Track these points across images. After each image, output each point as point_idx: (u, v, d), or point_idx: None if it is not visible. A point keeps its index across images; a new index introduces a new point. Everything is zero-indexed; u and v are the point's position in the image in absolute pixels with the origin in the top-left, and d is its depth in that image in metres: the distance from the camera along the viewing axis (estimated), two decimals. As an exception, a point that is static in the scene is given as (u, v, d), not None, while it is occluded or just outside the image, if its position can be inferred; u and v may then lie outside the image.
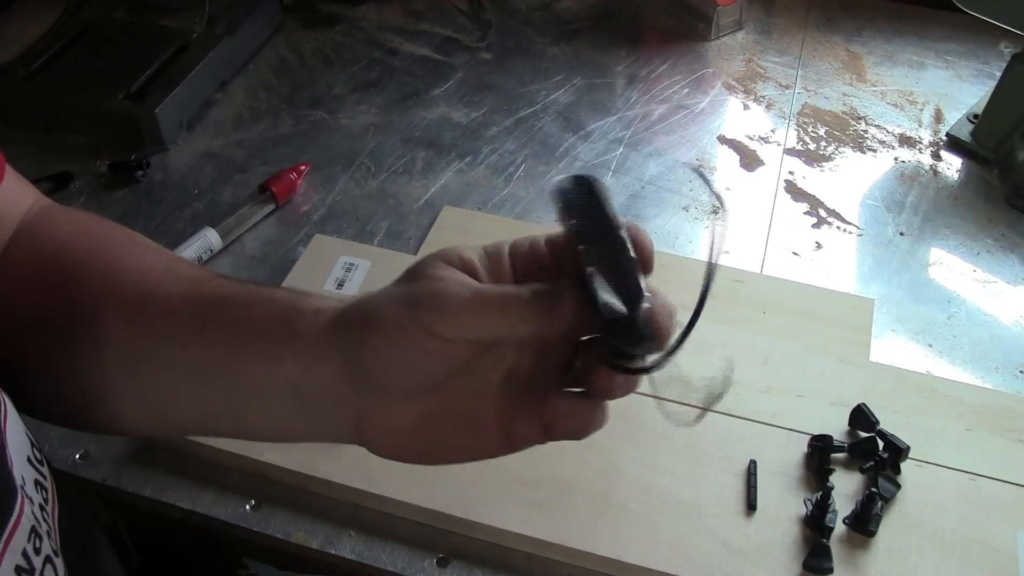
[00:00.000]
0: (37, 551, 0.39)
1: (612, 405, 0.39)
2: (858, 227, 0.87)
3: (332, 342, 0.39)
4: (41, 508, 0.40)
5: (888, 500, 0.61)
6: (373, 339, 0.38)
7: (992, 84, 0.92)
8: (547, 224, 0.86)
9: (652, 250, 0.40)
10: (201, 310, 0.43)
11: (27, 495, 0.39)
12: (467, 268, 0.39)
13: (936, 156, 0.94)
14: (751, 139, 0.97)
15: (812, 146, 0.96)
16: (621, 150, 0.95)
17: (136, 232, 0.49)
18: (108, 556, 0.50)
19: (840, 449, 0.64)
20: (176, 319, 0.43)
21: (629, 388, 0.38)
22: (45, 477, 0.42)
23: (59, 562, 0.41)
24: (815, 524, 0.60)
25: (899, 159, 0.94)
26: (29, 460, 0.40)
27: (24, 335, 0.44)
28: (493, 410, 0.40)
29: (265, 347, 0.41)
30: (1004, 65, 0.89)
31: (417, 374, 0.38)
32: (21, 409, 0.43)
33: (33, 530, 0.39)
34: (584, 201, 0.38)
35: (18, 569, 0.37)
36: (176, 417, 0.45)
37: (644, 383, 0.38)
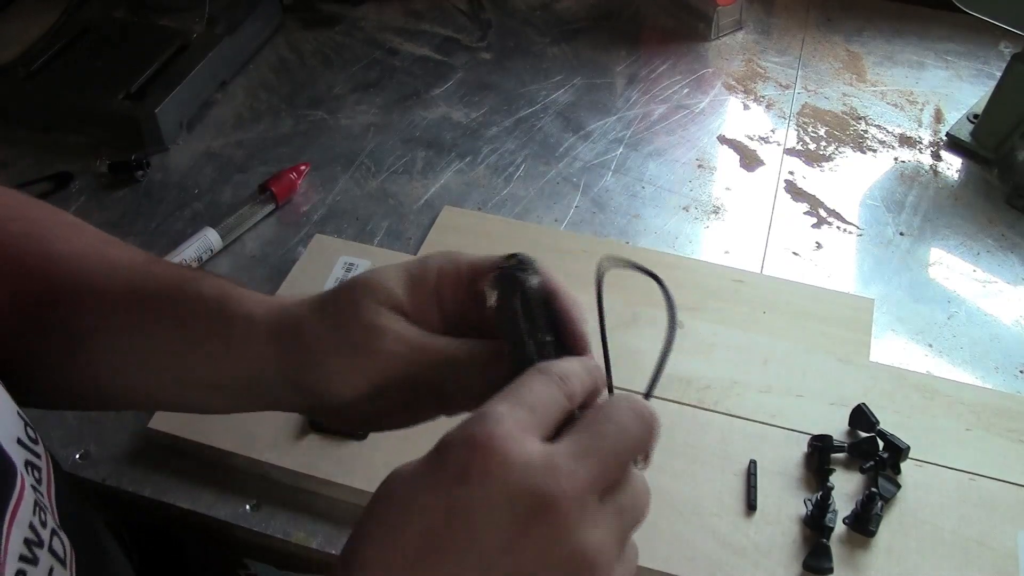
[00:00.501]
0: (43, 524, 0.40)
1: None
2: (858, 227, 0.87)
3: (270, 357, 0.42)
4: (34, 488, 0.40)
5: (888, 500, 0.61)
6: (313, 374, 0.41)
7: (992, 84, 0.92)
8: (547, 224, 0.86)
9: (580, 333, 0.40)
10: (138, 303, 0.44)
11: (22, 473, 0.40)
12: (396, 306, 0.41)
13: (936, 156, 0.94)
14: (751, 139, 0.97)
15: (812, 146, 0.96)
16: (621, 150, 0.95)
17: (55, 207, 0.51)
18: (108, 539, 0.51)
19: (840, 449, 0.64)
20: (115, 314, 0.45)
21: None
22: (39, 456, 0.43)
23: (63, 536, 0.42)
24: (815, 524, 0.60)
25: (899, 159, 0.94)
26: (20, 441, 0.41)
27: None
28: (432, 392, 0.42)
29: (204, 349, 0.43)
30: (1004, 65, 0.89)
31: (357, 396, 0.41)
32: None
33: (37, 504, 0.40)
34: (511, 304, 0.38)
35: (27, 542, 0.38)
36: (125, 398, 0.47)
37: None
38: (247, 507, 0.64)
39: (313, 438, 0.65)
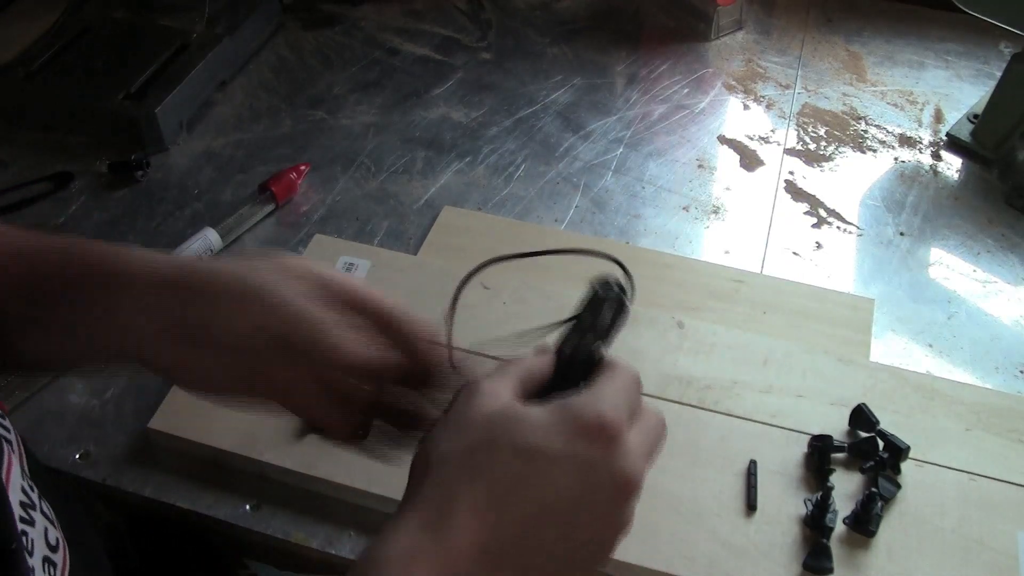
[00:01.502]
0: (32, 488, 0.42)
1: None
2: (858, 227, 0.87)
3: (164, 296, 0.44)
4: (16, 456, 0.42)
5: (888, 500, 0.61)
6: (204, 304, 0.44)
7: (992, 84, 0.92)
8: (547, 224, 0.86)
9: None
10: (31, 289, 0.46)
11: None
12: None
13: (936, 156, 0.94)
14: (751, 139, 0.97)
15: (812, 146, 0.96)
16: (621, 150, 0.95)
17: None
18: (82, 508, 0.53)
19: (840, 449, 0.64)
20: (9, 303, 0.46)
21: None
22: (9, 431, 0.44)
23: (46, 502, 0.44)
24: (815, 524, 0.60)
25: (899, 159, 0.94)
26: None
27: None
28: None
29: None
30: (1004, 65, 0.89)
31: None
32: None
33: (23, 469, 0.42)
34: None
35: (23, 504, 0.40)
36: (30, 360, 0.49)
37: None
38: (247, 507, 0.64)
39: (313, 438, 0.65)
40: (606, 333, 0.44)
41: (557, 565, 0.39)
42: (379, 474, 0.63)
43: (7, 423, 0.44)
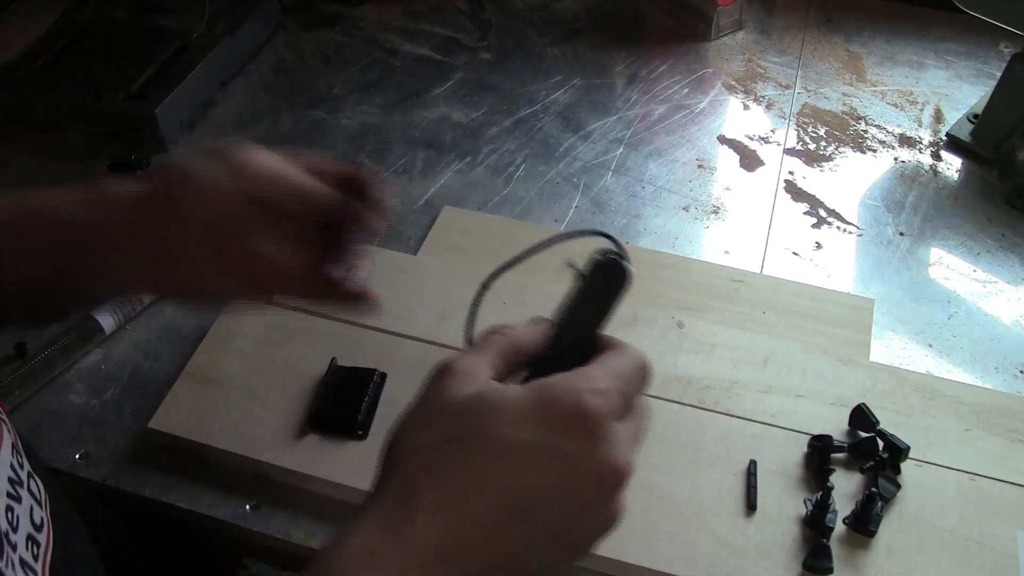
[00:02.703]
0: (21, 466, 0.42)
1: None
2: (858, 227, 0.87)
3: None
4: (8, 433, 0.43)
5: (888, 500, 0.61)
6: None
7: (992, 84, 0.92)
8: (546, 223, 0.86)
9: None
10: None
11: None
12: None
13: (936, 156, 0.94)
14: (751, 139, 0.97)
15: (812, 146, 0.96)
16: (621, 150, 0.95)
17: None
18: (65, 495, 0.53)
19: (840, 449, 0.64)
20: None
21: None
22: (2, 411, 0.45)
23: (38, 479, 0.44)
24: (815, 524, 0.60)
25: (899, 159, 0.94)
26: None
27: None
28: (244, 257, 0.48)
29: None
30: (1004, 65, 0.89)
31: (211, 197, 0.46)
32: None
33: (14, 447, 0.42)
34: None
35: (11, 481, 0.40)
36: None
37: None
38: (247, 507, 0.64)
39: (313, 438, 0.65)
40: (606, 304, 0.41)
41: (530, 562, 0.37)
42: (379, 474, 0.63)
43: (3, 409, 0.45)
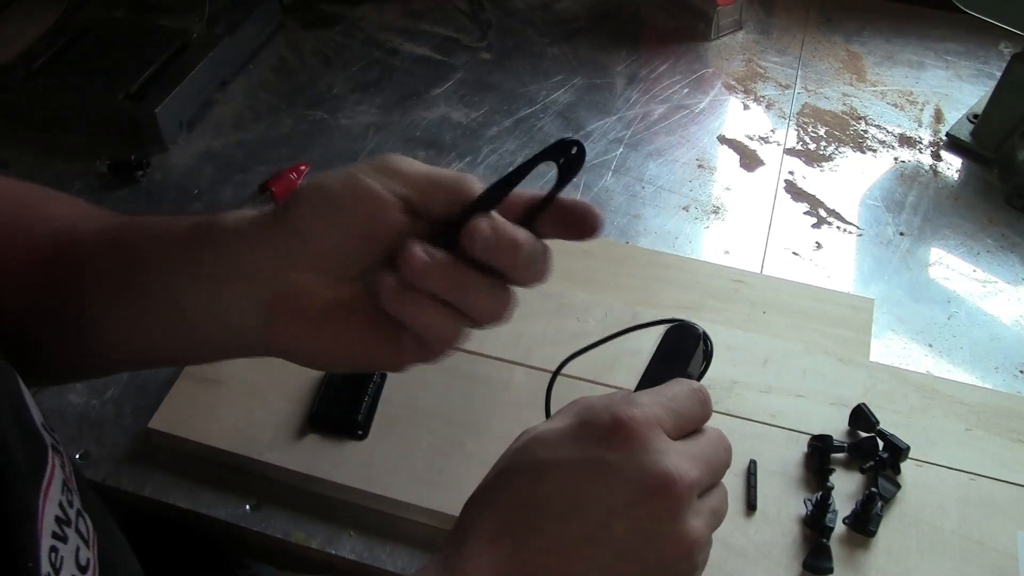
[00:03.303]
0: (70, 504, 0.40)
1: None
2: (858, 227, 0.87)
3: (254, 225, 0.41)
4: (61, 469, 0.41)
5: (888, 500, 0.61)
6: (312, 196, 0.41)
7: (992, 84, 0.92)
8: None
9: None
10: (119, 246, 0.44)
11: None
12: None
13: (936, 156, 0.94)
14: (751, 139, 0.97)
15: (812, 146, 0.96)
16: (621, 150, 0.95)
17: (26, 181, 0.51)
18: (118, 528, 0.51)
19: (840, 449, 0.64)
20: (96, 260, 0.45)
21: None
22: (58, 443, 0.43)
23: (87, 517, 0.42)
24: (815, 524, 0.60)
25: (899, 159, 0.94)
26: (44, 426, 0.41)
27: None
28: (389, 323, 0.41)
29: (186, 273, 0.43)
30: (1004, 65, 0.89)
31: (343, 246, 0.41)
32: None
33: (64, 484, 0.40)
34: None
35: (58, 520, 0.38)
36: (119, 364, 0.48)
37: None
38: (247, 507, 0.64)
39: (313, 438, 0.65)
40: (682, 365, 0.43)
41: None
42: (379, 474, 0.63)
43: (56, 435, 0.43)
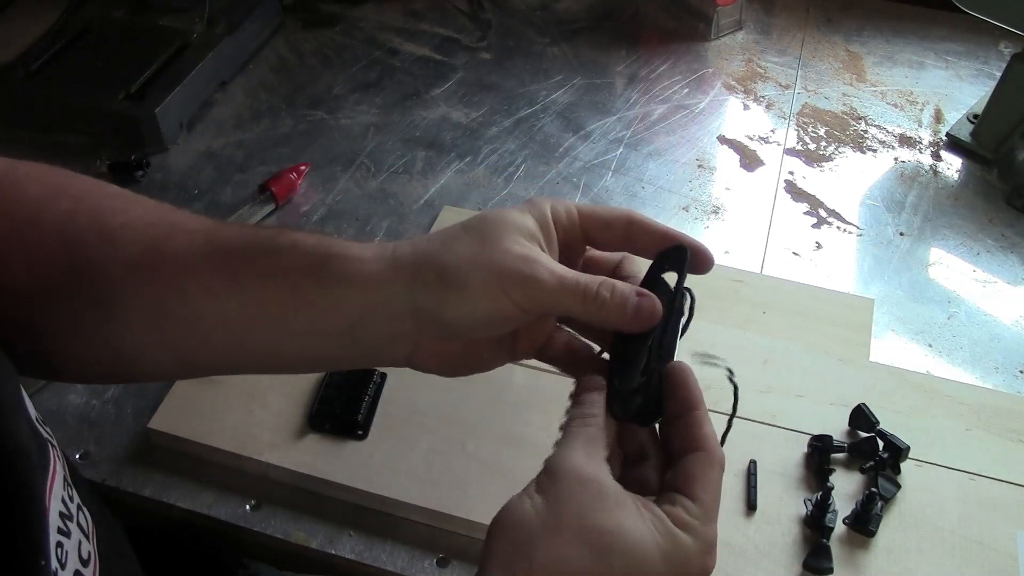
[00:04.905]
0: (71, 499, 0.41)
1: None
2: (858, 227, 0.87)
3: (396, 290, 0.42)
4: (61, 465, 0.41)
5: (888, 500, 0.61)
6: (458, 300, 0.41)
7: (992, 84, 0.92)
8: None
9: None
10: (225, 262, 0.44)
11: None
12: (534, 241, 0.43)
13: (936, 156, 0.94)
14: (751, 139, 0.97)
15: (812, 146, 0.96)
16: (621, 150, 0.95)
17: (103, 181, 0.50)
18: (114, 519, 0.51)
19: (840, 449, 0.64)
20: (198, 274, 0.44)
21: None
22: (52, 436, 0.43)
23: (87, 511, 0.42)
24: (815, 524, 0.60)
25: (899, 159, 0.94)
26: (39, 421, 0.41)
27: (27, 304, 0.44)
28: (512, 337, 0.46)
29: (310, 296, 0.43)
30: (1004, 65, 0.89)
31: (489, 330, 0.43)
32: (39, 373, 0.45)
33: (65, 479, 0.40)
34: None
35: (61, 515, 0.39)
36: (208, 362, 0.46)
37: None
38: (247, 507, 0.64)
39: (313, 438, 0.65)
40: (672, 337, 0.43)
41: None
42: (379, 474, 0.63)
43: (48, 428, 0.43)
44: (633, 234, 0.46)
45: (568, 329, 0.49)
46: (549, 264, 0.42)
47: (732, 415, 0.45)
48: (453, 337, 0.44)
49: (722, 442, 0.44)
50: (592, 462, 0.40)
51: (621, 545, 0.37)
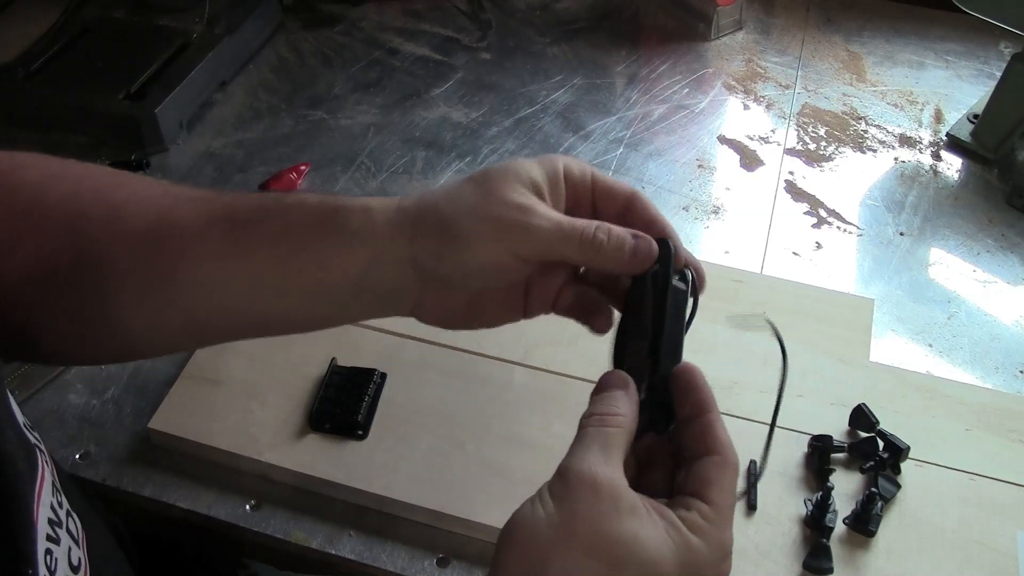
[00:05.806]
0: (60, 505, 0.40)
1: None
2: (858, 227, 0.87)
3: (399, 242, 0.43)
4: (49, 471, 0.41)
5: (888, 500, 0.61)
6: (455, 251, 0.42)
7: (992, 84, 0.92)
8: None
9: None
10: (233, 227, 0.44)
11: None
12: (537, 191, 0.43)
13: (936, 156, 0.94)
14: (751, 139, 0.97)
15: (812, 146, 0.96)
16: (621, 150, 0.95)
17: (103, 166, 0.50)
18: (104, 526, 0.51)
19: (840, 449, 0.64)
20: (207, 240, 0.44)
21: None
22: (40, 442, 0.43)
23: (76, 517, 0.42)
24: (815, 524, 0.60)
25: (899, 159, 0.94)
26: (26, 427, 0.41)
27: (31, 288, 0.44)
28: (522, 293, 0.47)
29: (317, 250, 0.43)
30: (1004, 65, 0.89)
31: (488, 280, 0.44)
32: (38, 358, 0.46)
33: (54, 485, 0.40)
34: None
35: (50, 522, 0.39)
36: (219, 329, 0.47)
37: None
38: (247, 507, 0.64)
39: (313, 438, 0.65)
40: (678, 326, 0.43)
41: None
42: (379, 474, 0.63)
43: (36, 433, 0.43)
44: (632, 209, 0.46)
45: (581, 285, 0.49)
46: (545, 211, 0.42)
47: (783, 379, 0.47)
48: (454, 288, 0.44)
49: (775, 413, 0.45)
50: (607, 467, 0.38)
51: (636, 556, 0.37)
